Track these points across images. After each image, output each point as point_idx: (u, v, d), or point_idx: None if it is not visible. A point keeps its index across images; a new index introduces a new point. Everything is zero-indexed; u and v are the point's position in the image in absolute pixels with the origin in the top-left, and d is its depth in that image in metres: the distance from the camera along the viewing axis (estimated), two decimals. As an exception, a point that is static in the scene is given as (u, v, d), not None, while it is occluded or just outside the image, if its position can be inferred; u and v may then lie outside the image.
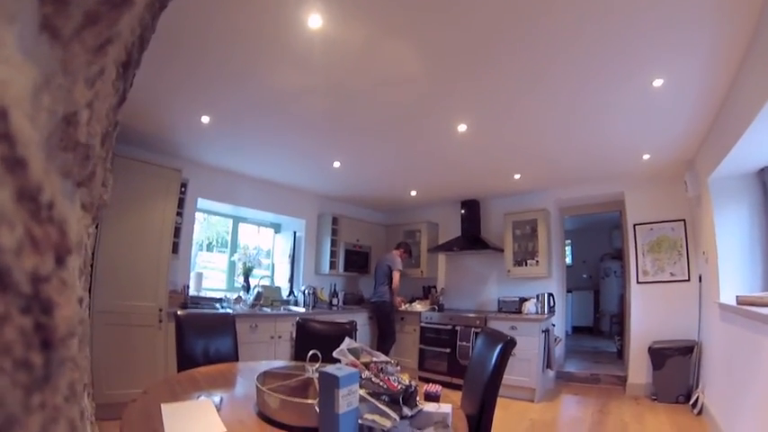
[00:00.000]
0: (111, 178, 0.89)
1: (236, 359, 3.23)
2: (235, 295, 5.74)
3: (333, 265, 7.13)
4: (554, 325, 6.26)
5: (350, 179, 6.39)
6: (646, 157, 5.05)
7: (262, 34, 2.81)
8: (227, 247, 6.55)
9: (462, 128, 4.35)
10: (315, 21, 2.66)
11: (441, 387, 2.12)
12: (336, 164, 5.60)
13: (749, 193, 4.17)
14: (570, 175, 6.05)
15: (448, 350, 6.31)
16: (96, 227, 0.92)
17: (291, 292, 6.73)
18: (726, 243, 4.18)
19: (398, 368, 1.94)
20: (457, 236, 7.43)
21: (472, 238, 7.22)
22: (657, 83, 3.38)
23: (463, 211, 7.47)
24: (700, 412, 4.68)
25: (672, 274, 5.63)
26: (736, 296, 3.60)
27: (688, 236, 5.59)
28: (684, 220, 5.62)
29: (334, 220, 7.26)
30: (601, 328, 10.62)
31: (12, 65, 0.32)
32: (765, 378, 3.03)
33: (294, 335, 3.68)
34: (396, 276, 6.78)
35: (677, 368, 5.14)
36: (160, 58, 3.04)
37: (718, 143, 3.96)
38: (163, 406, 1.78)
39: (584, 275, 11.43)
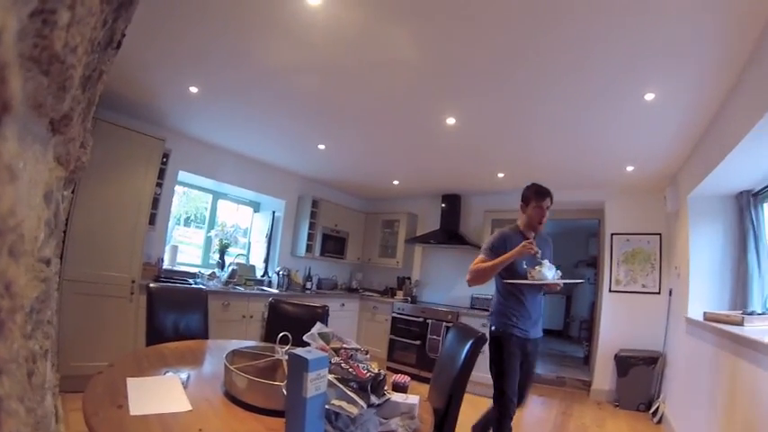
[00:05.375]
0: (91, 140, 0.86)
1: (206, 336, 3.20)
2: (209, 271, 5.69)
3: (309, 249, 7.08)
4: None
5: (333, 163, 6.35)
6: (630, 168, 5.10)
7: (259, 8, 2.77)
8: (204, 223, 6.48)
9: (451, 121, 4.34)
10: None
11: (409, 378, 2.13)
12: (321, 146, 5.57)
13: (725, 214, 4.26)
14: (554, 179, 6.02)
15: (418, 342, 6.36)
16: (72, 191, 0.88)
17: (266, 272, 6.71)
18: (698, 261, 4.30)
19: (368, 356, 1.94)
20: (435, 229, 7.45)
21: (450, 232, 7.24)
22: (649, 96, 3.42)
23: (444, 205, 7.49)
24: (659, 421, 4.79)
25: (644, 286, 5.75)
26: (704, 312, 3.73)
27: (663, 250, 5.69)
28: (660, 235, 5.72)
29: (314, 203, 7.19)
30: (570, 332, 10.77)
31: None
32: (724, 392, 3.12)
33: (266, 315, 3.66)
34: None
35: (641, 377, 5.27)
36: (153, 21, 2.97)
37: (701, 162, 4.04)
38: (128, 380, 1.76)
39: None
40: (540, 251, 3.03)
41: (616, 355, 5.52)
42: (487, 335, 2.67)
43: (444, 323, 6.13)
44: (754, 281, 3.78)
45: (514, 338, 3.10)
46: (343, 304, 7.10)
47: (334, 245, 7.53)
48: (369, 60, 3.36)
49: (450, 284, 7.37)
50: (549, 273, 3.02)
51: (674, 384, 4.71)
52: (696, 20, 2.54)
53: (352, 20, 2.83)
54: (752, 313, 3.21)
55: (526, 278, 3.05)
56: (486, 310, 6.28)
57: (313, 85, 3.86)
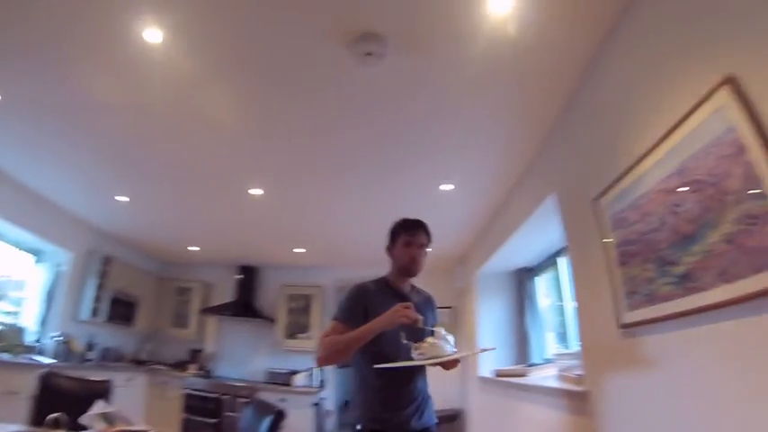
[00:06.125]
0: None
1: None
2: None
3: (95, 312, 6.24)
4: (325, 398, 6.39)
5: (132, 218, 5.85)
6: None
7: (93, 29, 2.50)
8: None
9: (258, 192, 4.47)
10: (151, 36, 2.48)
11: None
12: (121, 198, 5.10)
13: (506, 287, 5.31)
14: (352, 258, 6.56)
15: (214, 421, 6.05)
16: None
17: (40, 337, 5.79)
18: (485, 327, 5.19)
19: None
20: (231, 300, 7.34)
21: (246, 304, 7.22)
22: (447, 187, 4.14)
23: (240, 276, 7.46)
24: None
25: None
26: (496, 369, 4.42)
27: (456, 320, 6.46)
28: (453, 307, 6.40)
29: (106, 260, 6.43)
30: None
31: None
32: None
33: (36, 391, 3.17)
34: None
35: (445, 433, 5.75)
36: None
37: (486, 245, 5.02)
38: None
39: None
40: (421, 317, 1.93)
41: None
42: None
43: (242, 399, 5.89)
44: (532, 339, 4.80)
45: None
46: (130, 379, 6.34)
47: (122, 310, 6.80)
48: (190, 114, 3.27)
49: (246, 358, 7.25)
50: (447, 346, 1.95)
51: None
52: (485, 133, 3.35)
53: (185, 68, 2.76)
54: (532, 365, 3.95)
55: (403, 355, 2.00)
56: (285, 385, 6.22)
57: (127, 128, 3.58)
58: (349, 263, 6.93)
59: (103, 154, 4.07)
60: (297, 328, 6.96)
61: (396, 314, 1.88)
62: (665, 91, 1.93)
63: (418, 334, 1.99)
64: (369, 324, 1.93)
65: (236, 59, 2.68)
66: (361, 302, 2.12)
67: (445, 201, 4.32)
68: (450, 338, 1.99)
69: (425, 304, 2.40)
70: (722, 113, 1.53)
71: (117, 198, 5.14)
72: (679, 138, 1.77)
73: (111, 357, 6.59)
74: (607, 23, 2.34)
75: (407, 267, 2.27)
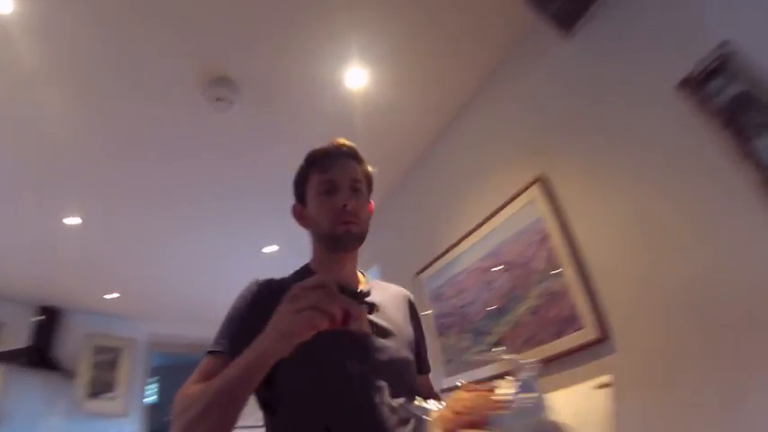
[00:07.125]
0: None
1: None
2: None
3: None
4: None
5: None
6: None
7: None
8: None
9: (75, 222, 3.93)
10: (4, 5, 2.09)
11: None
12: None
13: None
14: (172, 312, 6.14)
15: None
16: None
17: None
18: None
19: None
20: (24, 346, 6.13)
21: (42, 352, 6.18)
22: (270, 249, 4.32)
23: (40, 318, 6.36)
24: None
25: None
26: None
27: None
28: None
29: None
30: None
31: None
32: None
33: None
34: None
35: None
36: None
37: None
38: None
39: (167, 419, 11.19)
40: (365, 311, 1.07)
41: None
42: None
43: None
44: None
45: None
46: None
47: None
48: (17, 112, 2.71)
49: (38, 420, 6.11)
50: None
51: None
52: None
53: (33, 57, 2.35)
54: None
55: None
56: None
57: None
58: (167, 317, 6.47)
59: None
60: (101, 387, 6.20)
61: (288, 310, 0.72)
62: (485, 183, 2.25)
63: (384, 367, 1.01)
64: (247, 350, 0.77)
65: (87, 67, 2.42)
66: (260, 314, 0.80)
67: (270, 262, 4.28)
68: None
69: (394, 305, 1.22)
70: (533, 206, 1.84)
71: None
72: (497, 224, 2.08)
73: None
74: (442, 121, 2.68)
75: (334, 233, 1.11)
